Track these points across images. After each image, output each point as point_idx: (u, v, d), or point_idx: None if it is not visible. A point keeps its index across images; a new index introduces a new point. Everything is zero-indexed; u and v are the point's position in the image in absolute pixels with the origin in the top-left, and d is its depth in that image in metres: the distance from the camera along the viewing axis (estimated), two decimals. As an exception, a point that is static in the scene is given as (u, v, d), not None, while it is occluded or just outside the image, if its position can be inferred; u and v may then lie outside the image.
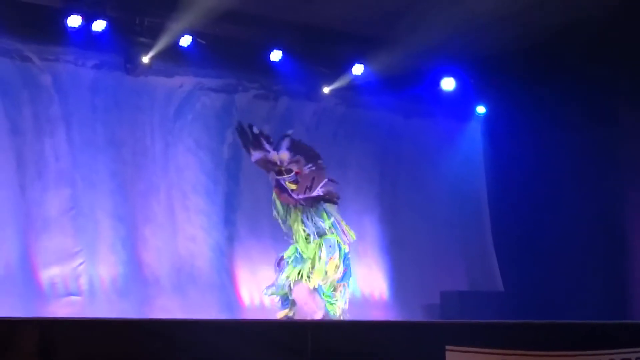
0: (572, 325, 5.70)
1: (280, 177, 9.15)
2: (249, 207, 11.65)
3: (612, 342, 5.46)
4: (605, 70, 11.60)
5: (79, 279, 10.48)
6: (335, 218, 9.23)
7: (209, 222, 11.48)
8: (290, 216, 9.20)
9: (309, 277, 8.95)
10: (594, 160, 12.11)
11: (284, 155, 9.16)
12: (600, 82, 11.76)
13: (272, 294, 9.29)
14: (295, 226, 9.16)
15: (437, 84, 12.60)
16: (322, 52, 11.80)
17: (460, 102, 12.99)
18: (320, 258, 8.97)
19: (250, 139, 9.30)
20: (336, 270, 9.02)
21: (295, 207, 9.17)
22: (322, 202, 9.14)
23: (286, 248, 9.22)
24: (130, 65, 11.08)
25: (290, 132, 9.43)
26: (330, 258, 9.00)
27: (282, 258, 9.23)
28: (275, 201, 9.28)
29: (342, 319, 8.91)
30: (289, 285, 9.03)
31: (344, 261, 9.10)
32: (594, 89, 11.87)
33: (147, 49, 10.93)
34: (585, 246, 12.03)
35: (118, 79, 11.09)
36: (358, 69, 11.95)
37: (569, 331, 5.59)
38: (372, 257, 12.45)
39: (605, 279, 11.67)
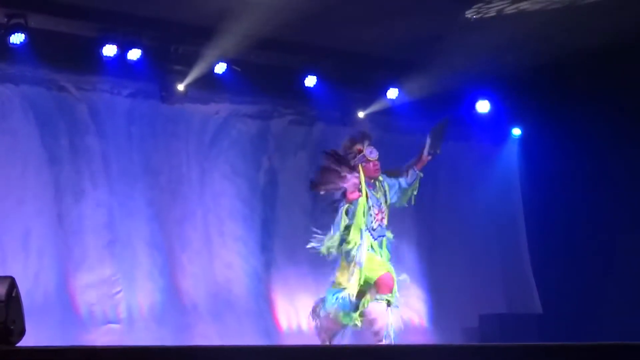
0: (615, 346, 5.63)
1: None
2: (286, 233, 11.66)
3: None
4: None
5: (117, 307, 10.51)
6: None
7: (245, 248, 11.48)
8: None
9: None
10: (634, 181, 12.03)
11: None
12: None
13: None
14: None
15: (472, 106, 12.58)
16: (357, 77, 11.82)
17: (496, 125, 12.95)
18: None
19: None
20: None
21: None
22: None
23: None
24: (165, 93, 11.13)
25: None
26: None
27: None
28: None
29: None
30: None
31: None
32: (635, 109, 11.79)
33: (182, 76, 11.00)
34: (625, 266, 11.94)
35: (154, 107, 11.15)
36: (393, 93, 11.95)
37: (613, 353, 5.52)
38: (410, 282, 12.40)
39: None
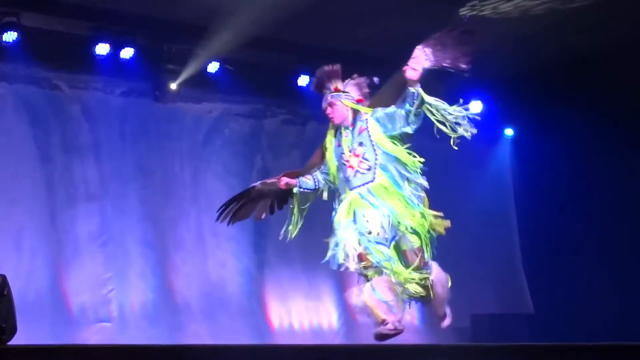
0: (606, 347, 5.65)
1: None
2: (279, 233, 11.62)
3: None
4: (637, 92, 11.55)
5: (110, 306, 10.51)
6: None
7: (238, 248, 11.48)
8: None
9: None
10: (625, 181, 12.05)
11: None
12: (632, 104, 11.70)
13: None
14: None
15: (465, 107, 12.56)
16: (349, 75, 11.78)
17: (489, 125, 12.93)
18: None
19: None
20: None
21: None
22: None
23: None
24: (158, 92, 11.14)
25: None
26: None
27: None
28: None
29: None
30: None
31: None
32: (626, 110, 11.81)
33: (175, 75, 11.00)
34: (618, 266, 11.95)
35: (146, 106, 11.15)
36: (386, 93, 11.95)
37: (604, 353, 5.54)
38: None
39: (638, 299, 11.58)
